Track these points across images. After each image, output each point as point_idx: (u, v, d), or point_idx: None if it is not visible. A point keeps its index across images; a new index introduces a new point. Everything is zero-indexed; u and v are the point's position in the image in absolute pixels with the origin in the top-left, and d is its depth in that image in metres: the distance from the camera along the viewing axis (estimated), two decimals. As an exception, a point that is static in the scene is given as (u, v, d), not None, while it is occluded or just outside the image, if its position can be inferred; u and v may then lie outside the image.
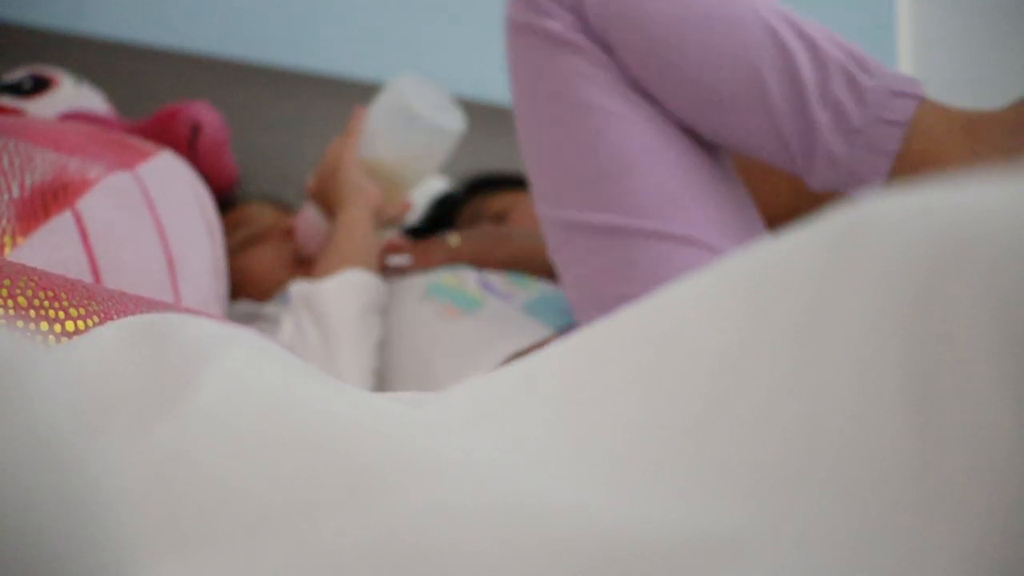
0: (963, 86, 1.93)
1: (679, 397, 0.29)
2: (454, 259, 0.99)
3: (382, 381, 0.93)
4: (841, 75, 0.65)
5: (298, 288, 0.92)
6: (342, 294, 0.90)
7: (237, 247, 1.15)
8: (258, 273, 1.12)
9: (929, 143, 0.64)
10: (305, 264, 1.12)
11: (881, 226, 0.27)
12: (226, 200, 1.21)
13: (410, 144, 1.04)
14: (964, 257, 0.24)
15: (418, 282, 0.97)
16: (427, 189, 1.43)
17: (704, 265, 0.71)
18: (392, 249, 1.04)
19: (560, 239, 0.79)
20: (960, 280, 0.24)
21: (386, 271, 1.01)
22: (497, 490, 0.27)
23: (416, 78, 1.05)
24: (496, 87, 1.60)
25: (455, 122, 1.05)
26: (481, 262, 0.98)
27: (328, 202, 1.03)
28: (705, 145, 0.76)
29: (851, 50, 0.68)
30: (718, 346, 0.29)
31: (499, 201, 1.21)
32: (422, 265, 0.99)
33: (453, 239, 0.99)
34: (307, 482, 0.29)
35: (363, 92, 1.49)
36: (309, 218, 1.08)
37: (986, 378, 0.23)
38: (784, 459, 0.26)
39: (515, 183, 1.27)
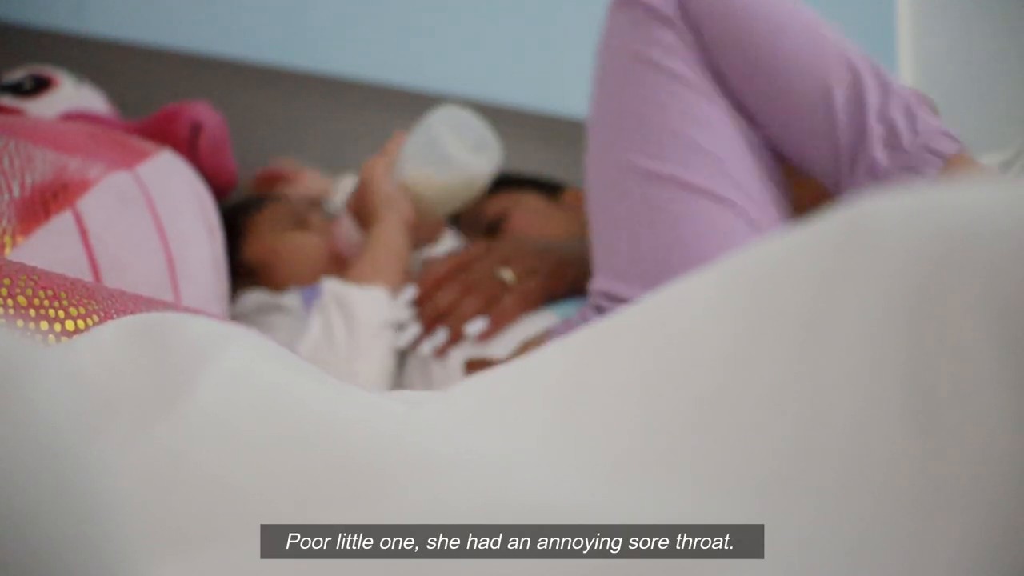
0: (963, 86, 1.93)
1: (680, 395, 0.29)
2: (526, 302, 0.91)
3: (400, 371, 0.93)
4: (901, 105, 0.75)
5: (333, 287, 0.93)
6: (374, 303, 0.91)
7: (286, 225, 1.17)
8: (297, 254, 1.14)
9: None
10: (338, 265, 1.14)
11: (883, 226, 0.27)
12: (226, 200, 1.21)
13: (439, 178, 1.04)
14: (965, 257, 0.24)
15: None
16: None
17: (740, 234, 0.77)
18: (432, 286, 0.93)
19: (611, 181, 0.83)
20: (961, 280, 0.24)
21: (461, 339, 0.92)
22: (497, 489, 0.27)
23: (456, 110, 1.05)
24: (497, 87, 1.60)
25: (488, 161, 1.05)
26: (546, 293, 0.94)
27: (362, 217, 1.05)
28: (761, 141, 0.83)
29: (917, 96, 0.78)
30: (720, 345, 0.29)
31: (500, 201, 1.21)
32: (501, 325, 0.90)
33: (507, 275, 0.92)
34: (307, 481, 0.29)
35: (363, 92, 1.49)
36: (345, 230, 1.11)
37: (987, 378, 0.23)
38: (786, 458, 0.26)
39: (515, 183, 1.27)
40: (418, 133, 1.05)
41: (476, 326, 0.89)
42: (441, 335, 0.90)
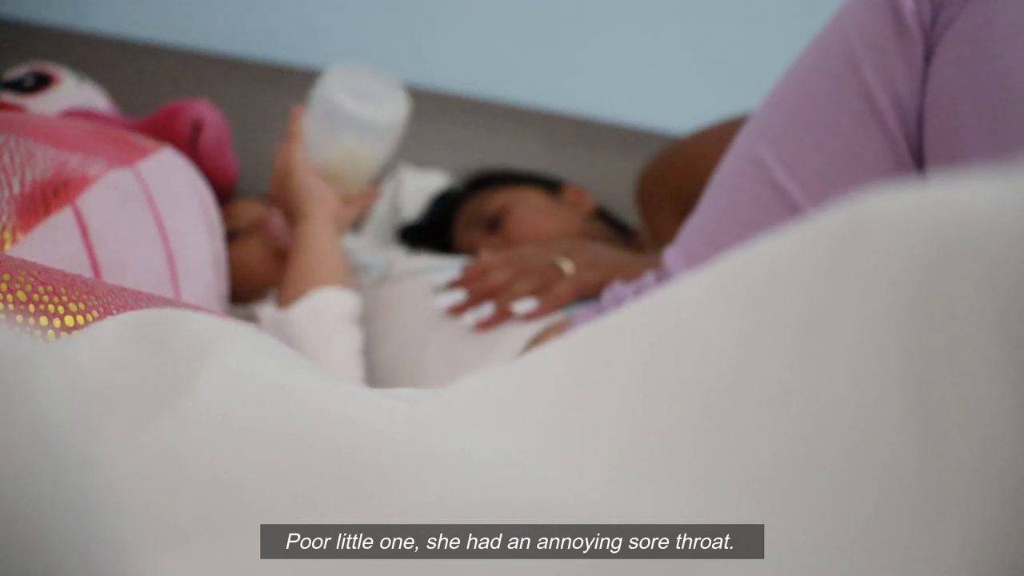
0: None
1: (680, 394, 0.29)
2: (580, 292, 0.88)
3: (408, 378, 0.91)
4: None
5: (268, 315, 0.90)
6: (313, 319, 0.88)
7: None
8: (243, 268, 1.10)
9: None
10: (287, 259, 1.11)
11: (883, 223, 0.27)
12: (227, 198, 1.21)
13: (347, 139, 0.97)
14: (965, 255, 0.24)
15: (424, 281, 0.96)
16: (426, 186, 1.43)
17: None
18: (486, 265, 0.90)
19: (739, 166, 0.75)
20: (961, 278, 0.24)
21: (507, 318, 0.88)
22: (496, 487, 0.27)
23: (346, 67, 0.98)
24: (496, 85, 1.60)
25: (392, 110, 0.98)
26: (598, 290, 0.90)
27: (286, 209, 1.00)
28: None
29: None
30: (720, 343, 0.29)
31: (499, 198, 1.20)
32: (551, 309, 0.87)
33: (566, 264, 0.89)
34: (305, 479, 0.29)
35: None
36: (279, 222, 1.08)
37: (987, 376, 0.23)
38: (786, 457, 0.26)
39: (515, 180, 1.27)
40: (314, 104, 0.98)
41: (525, 305, 0.85)
42: (487, 309, 0.86)
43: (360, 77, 0.98)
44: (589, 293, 0.88)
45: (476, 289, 0.88)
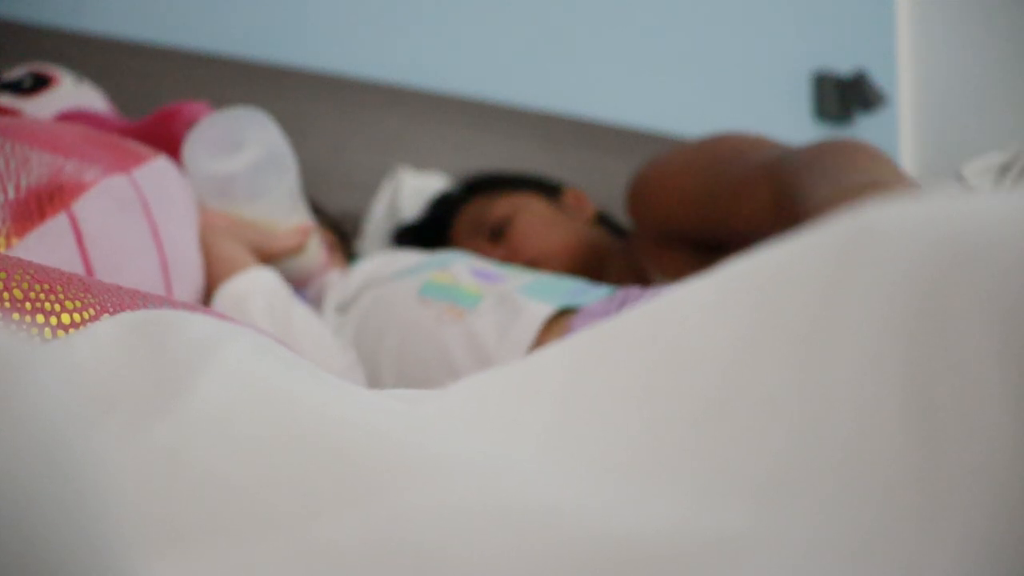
0: (963, 87, 1.93)
1: (682, 399, 0.29)
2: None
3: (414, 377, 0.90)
4: None
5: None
6: (229, 307, 0.86)
7: None
8: None
9: None
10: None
11: (887, 234, 0.27)
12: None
13: (241, 194, 0.93)
14: (967, 266, 0.25)
15: (409, 284, 0.95)
16: (424, 188, 1.43)
17: None
18: None
19: None
20: (963, 289, 0.24)
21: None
22: (497, 490, 0.27)
23: (195, 131, 0.92)
24: (494, 86, 1.60)
25: (262, 140, 0.92)
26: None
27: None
28: None
29: None
30: (722, 349, 0.29)
31: (501, 205, 1.20)
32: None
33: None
34: (305, 481, 0.29)
35: (364, 91, 1.49)
36: None
37: (987, 386, 0.23)
38: (786, 463, 0.26)
39: (514, 183, 1.26)
40: (193, 180, 0.91)
41: None
42: None
43: (213, 129, 0.93)
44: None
45: None
